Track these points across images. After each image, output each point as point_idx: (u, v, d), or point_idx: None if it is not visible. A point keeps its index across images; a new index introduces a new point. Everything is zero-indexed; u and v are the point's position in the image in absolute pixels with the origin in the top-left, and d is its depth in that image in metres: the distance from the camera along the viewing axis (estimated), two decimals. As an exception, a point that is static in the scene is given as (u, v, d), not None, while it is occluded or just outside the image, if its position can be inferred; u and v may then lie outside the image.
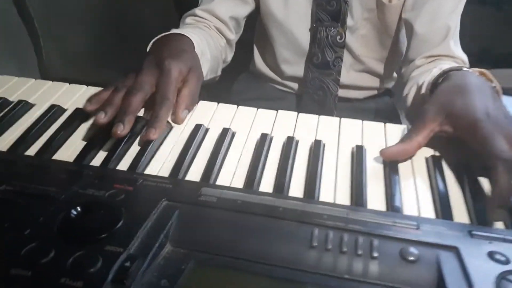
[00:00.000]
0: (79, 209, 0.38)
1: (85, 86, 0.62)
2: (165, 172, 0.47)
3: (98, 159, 0.49)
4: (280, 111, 0.58)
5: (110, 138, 0.51)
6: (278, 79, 0.94)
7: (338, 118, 0.57)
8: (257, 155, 0.49)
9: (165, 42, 0.64)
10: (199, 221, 0.39)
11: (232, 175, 0.47)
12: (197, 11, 0.83)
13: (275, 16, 0.85)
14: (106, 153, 0.49)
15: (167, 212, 0.39)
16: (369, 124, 0.56)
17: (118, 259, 0.33)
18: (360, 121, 0.56)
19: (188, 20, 0.83)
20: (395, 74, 0.95)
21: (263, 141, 0.51)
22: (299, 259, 0.36)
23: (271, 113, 0.58)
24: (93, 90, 0.60)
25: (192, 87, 0.58)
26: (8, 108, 0.57)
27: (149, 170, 0.48)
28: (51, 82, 0.63)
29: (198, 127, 0.53)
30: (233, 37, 0.86)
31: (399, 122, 0.91)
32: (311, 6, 0.82)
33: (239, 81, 1.02)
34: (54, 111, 0.56)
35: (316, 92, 0.86)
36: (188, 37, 0.65)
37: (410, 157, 0.50)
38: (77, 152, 0.49)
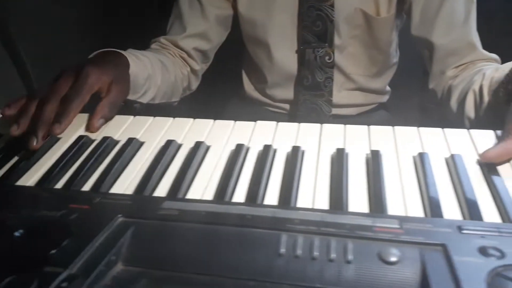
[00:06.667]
0: (20, 231, 0.35)
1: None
2: (130, 190, 0.44)
3: (61, 182, 0.46)
4: (258, 121, 0.55)
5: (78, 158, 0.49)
6: (270, 101, 0.92)
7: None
8: (231, 166, 0.46)
9: (98, 55, 0.63)
10: (156, 236, 0.35)
11: (204, 188, 0.44)
12: (162, 39, 0.83)
13: (261, 40, 0.83)
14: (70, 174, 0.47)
15: (121, 229, 0.35)
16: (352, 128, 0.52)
17: (55, 280, 0.30)
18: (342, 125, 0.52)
19: (154, 45, 0.83)
20: (388, 88, 0.92)
21: (238, 152, 0.48)
22: (265, 270, 0.32)
23: (249, 124, 0.55)
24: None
25: (112, 98, 0.57)
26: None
27: (115, 189, 0.45)
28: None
29: (169, 142, 0.50)
30: (198, 67, 0.86)
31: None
32: (297, 29, 0.80)
33: (230, 107, 1.00)
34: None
35: (309, 115, 0.83)
36: (125, 56, 0.64)
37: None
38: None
